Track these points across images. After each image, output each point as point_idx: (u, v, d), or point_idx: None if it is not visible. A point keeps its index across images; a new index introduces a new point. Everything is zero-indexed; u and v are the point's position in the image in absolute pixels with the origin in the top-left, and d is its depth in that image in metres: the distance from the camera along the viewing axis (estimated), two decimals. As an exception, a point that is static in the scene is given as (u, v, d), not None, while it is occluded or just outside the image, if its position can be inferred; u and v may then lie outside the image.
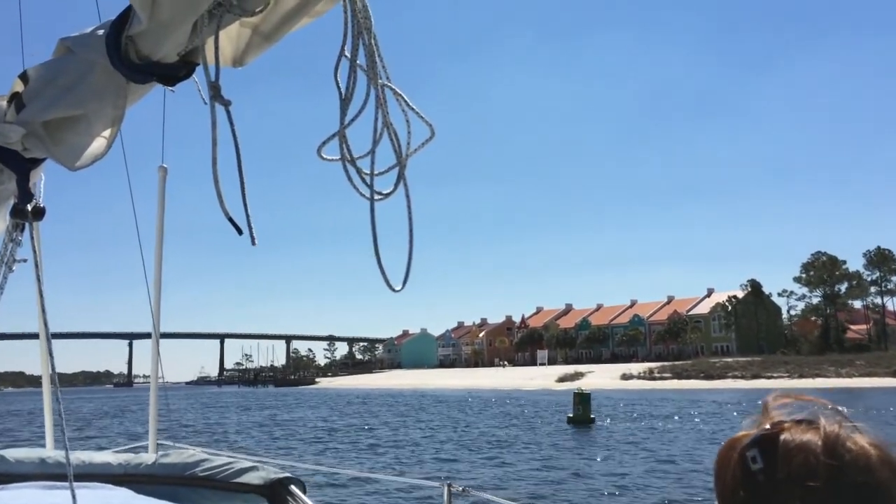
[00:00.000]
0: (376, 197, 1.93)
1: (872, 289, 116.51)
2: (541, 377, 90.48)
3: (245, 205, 1.70)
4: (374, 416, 39.82)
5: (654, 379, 78.00)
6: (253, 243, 1.71)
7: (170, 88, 1.90)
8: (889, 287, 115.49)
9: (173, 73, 1.81)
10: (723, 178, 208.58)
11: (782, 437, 0.88)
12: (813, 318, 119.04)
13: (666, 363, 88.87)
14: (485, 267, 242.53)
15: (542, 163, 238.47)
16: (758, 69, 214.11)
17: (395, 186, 1.97)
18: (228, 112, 1.69)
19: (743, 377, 73.37)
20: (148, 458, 3.52)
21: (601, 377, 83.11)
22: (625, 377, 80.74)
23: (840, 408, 0.91)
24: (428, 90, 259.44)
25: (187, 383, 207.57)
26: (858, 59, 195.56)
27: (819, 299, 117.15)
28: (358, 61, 1.90)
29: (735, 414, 34.74)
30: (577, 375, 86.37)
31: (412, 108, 1.97)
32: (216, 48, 1.67)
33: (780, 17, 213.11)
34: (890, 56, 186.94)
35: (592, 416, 30.36)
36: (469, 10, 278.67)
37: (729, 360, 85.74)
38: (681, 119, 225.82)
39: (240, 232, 1.70)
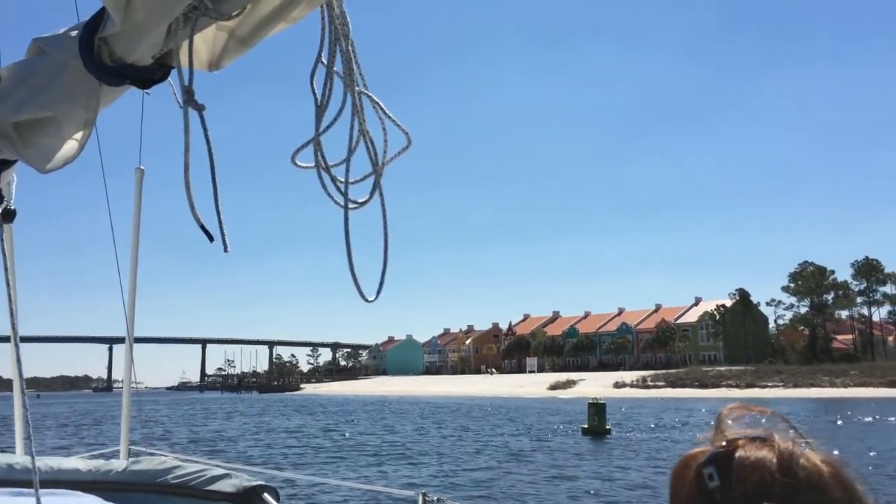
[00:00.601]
0: (351, 205, 1.96)
1: (859, 299, 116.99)
2: (532, 385, 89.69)
3: (217, 211, 1.69)
4: (374, 423, 38.79)
5: (647, 387, 77.43)
6: (225, 250, 1.71)
7: (145, 91, 1.86)
8: (876, 298, 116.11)
9: (148, 76, 1.79)
10: (711, 185, 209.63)
11: (737, 454, 0.88)
12: (800, 328, 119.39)
13: (659, 371, 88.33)
14: (471, 273, 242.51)
15: (530, 169, 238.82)
16: (745, 78, 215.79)
17: (370, 195, 1.99)
18: (202, 117, 1.70)
19: (737, 386, 73.04)
20: (118, 464, 3.45)
21: (593, 385, 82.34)
22: (617, 385, 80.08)
23: (792, 422, 0.92)
24: (417, 94, 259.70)
25: (168, 388, 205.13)
26: (847, 68, 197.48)
27: (806, 309, 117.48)
28: (335, 68, 1.93)
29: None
30: (568, 383, 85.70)
31: (389, 117, 1.98)
32: (190, 52, 1.67)
33: (768, 28, 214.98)
34: (878, 66, 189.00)
35: (608, 426, 29.46)
36: (459, 15, 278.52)
37: (721, 368, 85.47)
38: (669, 127, 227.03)
39: (211, 239, 1.69)
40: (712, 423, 0.84)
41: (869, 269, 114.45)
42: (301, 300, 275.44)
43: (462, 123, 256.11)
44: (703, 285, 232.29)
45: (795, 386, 70.92)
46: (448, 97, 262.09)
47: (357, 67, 1.93)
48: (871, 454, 22.86)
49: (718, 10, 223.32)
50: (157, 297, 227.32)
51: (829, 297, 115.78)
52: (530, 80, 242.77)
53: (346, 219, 1.93)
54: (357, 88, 1.93)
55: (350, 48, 1.91)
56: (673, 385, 76.23)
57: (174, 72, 1.74)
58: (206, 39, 1.88)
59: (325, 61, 1.91)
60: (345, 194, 1.94)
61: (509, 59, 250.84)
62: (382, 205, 2.00)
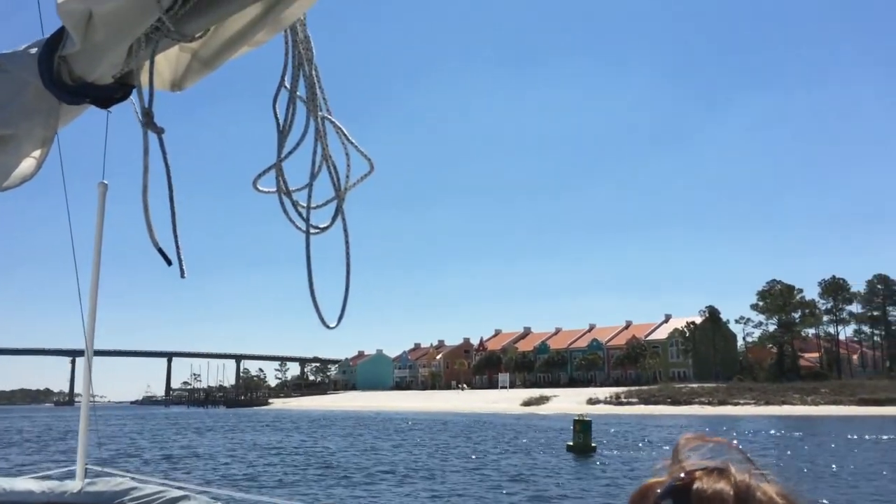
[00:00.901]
0: (312, 231, 1.99)
1: (826, 317, 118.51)
2: (505, 401, 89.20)
3: (175, 236, 1.69)
4: (354, 440, 37.98)
5: (620, 404, 77.34)
6: (182, 276, 1.70)
7: (106, 110, 1.87)
8: (842, 317, 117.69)
9: (108, 95, 1.79)
10: (681, 205, 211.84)
11: (695, 486, 0.88)
12: (769, 346, 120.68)
13: (632, 388, 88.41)
14: (442, 288, 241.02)
15: (503, 186, 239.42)
16: (713, 102, 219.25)
17: (332, 220, 2.02)
18: (161, 140, 1.69)
19: (710, 403, 73.25)
20: (74, 485, 3.39)
21: (566, 401, 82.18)
22: (591, 402, 79.87)
23: (748, 454, 0.91)
24: (388, 111, 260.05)
25: (132, 403, 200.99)
26: (813, 91, 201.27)
27: (775, 327, 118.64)
28: (298, 93, 1.96)
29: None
30: (542, 399, 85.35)
31: (352, 142, 2.01)
32: (151, 73, 1.67)
33: (733, 54, 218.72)
34: (842, 89, 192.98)
35: (594, 444, 29.01)
36: (430, 36, 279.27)
37: (693, 385, 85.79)
38: (638, 148, 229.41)
39: (169, 263, 1.69)
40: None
41: (836, 288, 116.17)
42: (269, 314, 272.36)
43: (432, 140, 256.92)
44: (673, 302, 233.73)
45: (767, 403, 71.28)
46: (417, 114, 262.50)
47: (321, 92, 1.93)
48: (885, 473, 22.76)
49: (686, 38, 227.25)
50: (123, 309, 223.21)
51: (797, 315, 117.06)
52: (502, 101, 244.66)
53: (308, 244, 1.92)
54: (320, 113, 1.93)
55: (314, 73, 1.91)
56: (646, 402, 76.20)
57: (136, 91, 1.74)
58: (169, 59, 1.87)
59: (288, 86, 1.91)
60: (306, 220, 1.94)
61: (483, 79, 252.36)
62: (345, 230, 1.98)
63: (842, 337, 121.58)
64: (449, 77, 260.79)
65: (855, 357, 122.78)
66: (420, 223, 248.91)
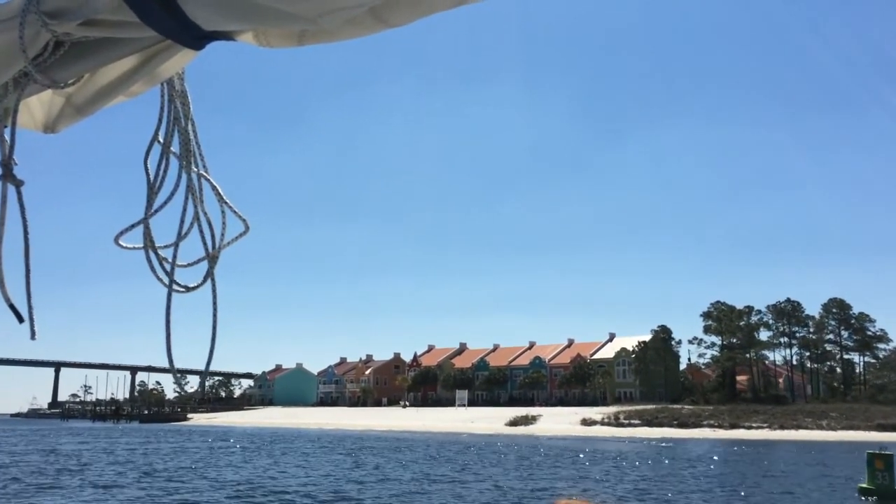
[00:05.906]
0: (178, 289, 1.91)
1: (776, 340, 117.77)
2: (481, 420, 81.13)
3: (28, 295, 1.65)
4: (401, 467, 29.32)
5: (620, 425, 70.94)
6: (32, 337, 1.66)
7: None
8: (784, 340, 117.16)
9: None
10: (620, 229, 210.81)
11: None
12: (707, 369, 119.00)
13: (630, 408, 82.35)
14: (367, 302, 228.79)
15: (433, 204, 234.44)
16: (643, 124, 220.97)
17: (203, 281, 1.94)
18: (20, 192, 1.63)
19: (720, 426, 68.11)
20: None
21: (555, 422, 75.03)
22: (585, 423, 73.17)
23: None
24: (312, 125, 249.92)
25: (13, 415, 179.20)
26: (741, 115, 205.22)
27: (725, 349, 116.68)
28: (172, 148, 1.92)
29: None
30: (529, 419, 77.99)
31: (226, 202, 1.96)
32: (13, 123, 1.64)
33: (656, 83, 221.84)
34: (767, 114, 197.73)
35: (896, 486, 21.11)
36: (355, 55, 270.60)
37: (691, 407, 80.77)
38: (567, 170, 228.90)
39: (21, 320, 1.64)
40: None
41: (790, 311, 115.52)
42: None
43: (365, 154, 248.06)
44: (615, 321, 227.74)
45: (781, 427, 66.78)
46: (340, 128, 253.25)
47: (197, 149, 1.84)
48: None
49: (601, 70, 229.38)
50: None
51: (758, 336, 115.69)
52: (425, 122, 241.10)
53: (169, 303, 1.80)
54: (195, 170, 1.84)
55: (190, 128, 1.83)
56: (649, 424, 70.21)
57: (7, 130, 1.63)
58: (43, 102, 1.80)
59: (161, 140, 1.83)
60: (170, 275, 1.85)
61: (406, 99, 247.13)
62: (213, 292, 1.86)
63: (779, 360, 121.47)
64: (371, 96, 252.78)
65: (780, 381, 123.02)
66: (341, 235, 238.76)
